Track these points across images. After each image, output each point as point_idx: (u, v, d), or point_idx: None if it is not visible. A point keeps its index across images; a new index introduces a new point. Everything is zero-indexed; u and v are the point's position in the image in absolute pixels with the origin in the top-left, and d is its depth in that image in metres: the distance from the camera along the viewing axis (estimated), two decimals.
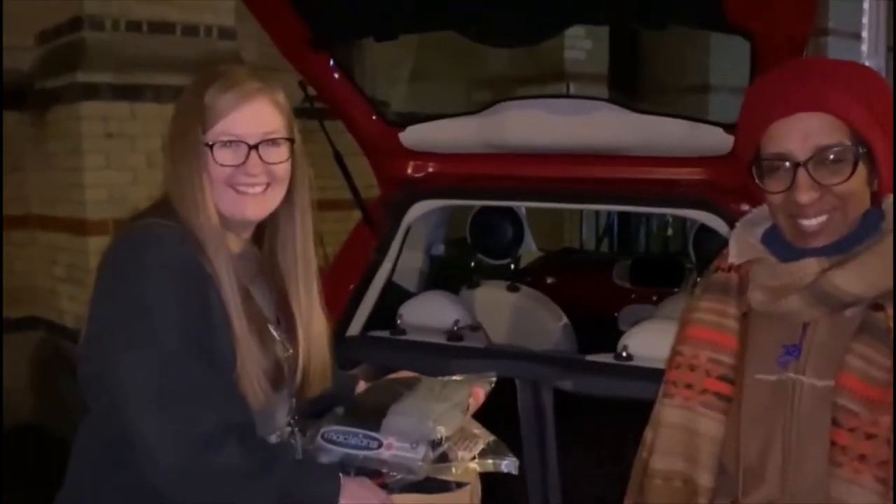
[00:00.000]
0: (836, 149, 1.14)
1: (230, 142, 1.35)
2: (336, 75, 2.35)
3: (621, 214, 6.14)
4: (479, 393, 1.65)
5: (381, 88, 6.52)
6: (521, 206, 2.99)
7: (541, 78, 6.50)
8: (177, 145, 1.37)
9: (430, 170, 2.56)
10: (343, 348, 2.32)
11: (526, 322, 3.03)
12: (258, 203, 1.39)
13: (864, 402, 1.09)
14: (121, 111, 4.48)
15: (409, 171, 2.56)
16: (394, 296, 2.70)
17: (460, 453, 1.56)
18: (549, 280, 3.85)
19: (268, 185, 1.39)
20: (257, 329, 1.38)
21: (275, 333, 1.45)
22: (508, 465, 1.59)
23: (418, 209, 2.54)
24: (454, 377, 1.70)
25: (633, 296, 3.69)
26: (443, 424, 1.49)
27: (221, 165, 1.35)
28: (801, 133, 1.15)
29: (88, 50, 4.47)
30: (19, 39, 4.88)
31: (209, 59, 4.47)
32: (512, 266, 3.22)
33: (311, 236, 1.52)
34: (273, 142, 1.38)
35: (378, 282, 2.52)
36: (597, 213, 6.41)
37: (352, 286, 2.50)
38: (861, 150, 1.15)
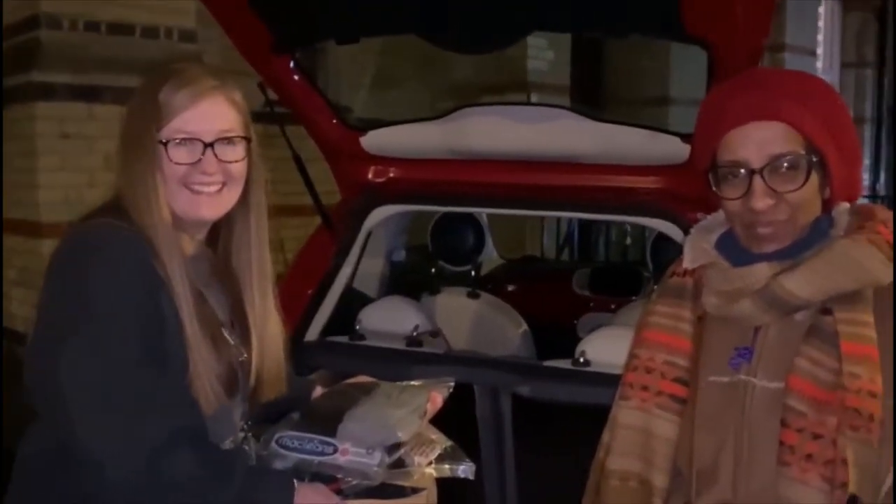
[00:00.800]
0: (789, 157, 1.17)
1: (185, 139, 1.33)
2: (297, 78, 2.34)
3: (582, 223, 6.20)
4: (436, 398, 1.64)
5: (345, 94, 6.51)
6: (482, 212, 3.00)
7: (504, 87, 6.53)
8: (129, 143, 1.35)
9: (391, 175, 2.55)
10: (301, 353, 2.29)
11: (486, 328, 3.03)
12: (213, 203, 1.37)
13: (811, 403, 1.12)
14: (78, 112, 4.41)
15: (370, 175, 2.55)
16: (354, 301, 2.69)
17: (416, 459, 1.55)
18: (510, 287, 3.86)
19: (223, 184, 1.36)
20: (210, 333, 1.36)
21: (228, 337, 1.43)
22: (465, 470, 1.59)
23: (379, 214, 2.53)
24: (412, 382, 1.69)
25: (591, 304, 3.72)
26: (399, 430, 1.48)
27: (176, 164, 1.32)
28: (757, 141, 1.17)
29: (45, 49, 4.39)
30: None
31: (170, 62, 4.41)
32: (472, 273, 3.22)
33: (266, 238, 1.50)
34: (229, 140, 1.36)
35: (337, 287, 2.50)
36: (558, 221, 6.46)
37: (310, 291, 2.48)
38: (814, 159, 1.18)
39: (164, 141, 1.32)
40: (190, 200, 1.35)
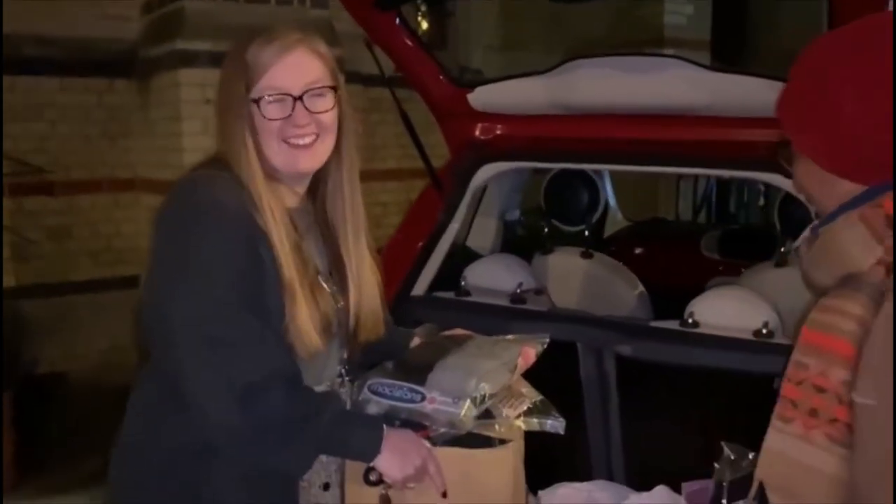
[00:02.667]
0: None
1: (275, 95, 1.37)
2: (403, 36, 2.35)
3: (718, 184, 5.92)
4: (529, 353, 1.64)
5: (474, 58, 6.50)
6: (591, 168, 2.92)
7: (638, 44, 6.30)
8: (223, 104, 1.41)
9: (499, 131, 2.52)
10: (407, 308, 2.34)
11: (600, 289, 2.97)
12: (310, 155, 1.41)
13: (811, 351, 1.01)
14: (217, 78, 4.63)
15: (478, 133, 2.54)
16: (465, 259, 2.71)
17: (505, 411, 1.56)
18: (635, 250, 3.77)
19: (317, 135, 1.41)
20: (308, 281, 1.41)
21: (325, 286, 1.48)
22: (553, 425, 1.58)
23: (486, 171, 2.52)
24: (507, 337, 1.69)
25: (721, 267, 3.57)
26: (487, 381, 1.49)
27: (270, 120, 1.37)
28: None
29: (187, 19, 4.64)
30: (125, 10, 5.12)
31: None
32: (586, 232, 3.16)
33: (358, 188, 1.53)
34: (317, 91, 1.39)
35: (444, 243, 2.52)
36: (695, 182, 6.21)
37: (418, 247, 2.51)
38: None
39: (255, 98, 1.36)
40: (288, 154, 1.40)
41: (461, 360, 1.56)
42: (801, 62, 1.09)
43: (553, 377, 2.12)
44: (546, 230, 3.15)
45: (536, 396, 1.63)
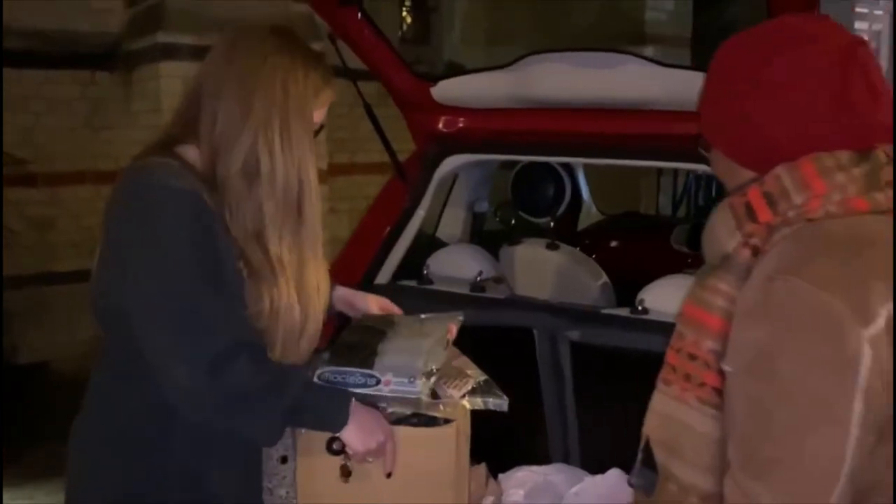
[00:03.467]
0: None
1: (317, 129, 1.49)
2: (366, 30, 2.41)
3: (697, 179, 6.00)
4: (452, 328, 1.70)
5: (458, 51, 6.55)
6: (550, 160, 2.99)
7: (620, 39, 6.37)
8: (295, 122, 1.44)
9: (461, 124, 2.59)
10: None
11: (564, 279, 3.03)
12: None
13: (688, 323, 1.11)
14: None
15: (441, 125, 2.60)
16: (432, 248, 2.77)
17: (450, 391, 1.62)
18: (607, 242, 3.82)
19: None
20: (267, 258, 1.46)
21: None
22: (497, 403, 1.63)
23: (450, 163, 2.58)
24: (423, 316, 1.75)
25: (689, 260, 3.63)
26: (432, 359, 1.56)
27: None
28: None
29: (169, 13, 4.70)
30: (109, 3, 5.17)
31: (283, 21, 4.61)
32: (552, 224, 3.22)
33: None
34: None
35: (409, 232, 2.58)
36: (674, 177, 6.28)
37: (383, 236, 2.57)
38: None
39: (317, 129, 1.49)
40: None
41: (401, 341, 1.61)
42: (714, 59, 1.16)
43: (512, 363, 2.18)
44: (514, 222, 3.21)
45: (481, 376, 1.68)
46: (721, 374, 1.04)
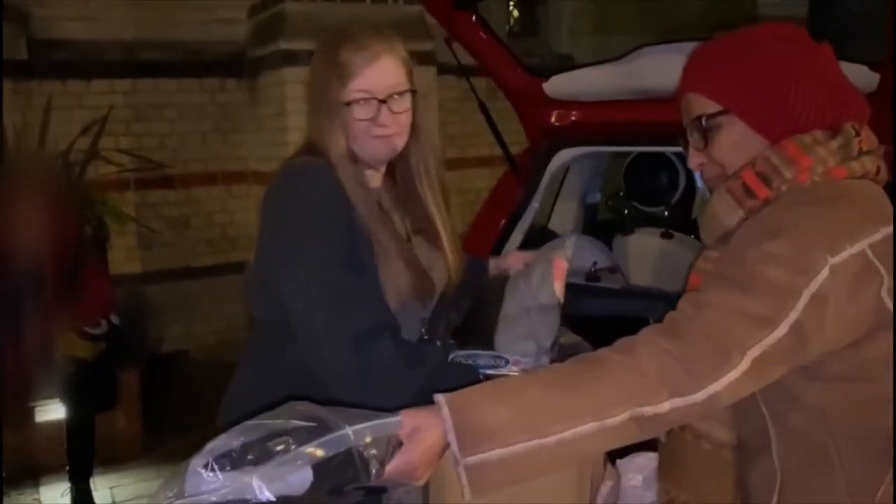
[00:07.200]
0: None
1: (364, 98, 1.55)
2: (480, 32, 2.50)
3: None
4: (560, 265, 1.73)
5: (567, 43, 6.56)
6: (662, 150, 3.00)
7: (734, 24, 6.21)
8: (317, 101, 1.59)
9: (574, 118, 2.65)
10: None
11: (680, 268, 3.04)
12: (389, 146, 1.60)
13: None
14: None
15: (553, 120, 2.67)
16: (545, 240, 2.83)
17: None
18: None
19: (395, 132, 1.58)
20: (396, 246, 1.59)
21: (417, 250, 1.65)
22: None
23: (562, 156, 2.65)
24: (536, 264, 1.79)
25: None
26: (549, 329, 1.62)
27: (358, 120, 1.56)
28: None
29: (289, 20, 4.93)
30: (234, 13, 5.47)
31: (397, 25, 4.77)
32: (666, 213, 3.24)
33: (436, 163, 1.70)
34: (399, 94, 1.57)
35: (523, 225, 2.67)
36: None
37: (497, 229, 2.66)
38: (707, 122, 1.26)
39: (347, 101, 1.55)
40: (371, 145, 1.58)
41: (516, 312, 1.68)
42: (756, 45, 1.24)
43: None
44: (626, 212, 3.24)
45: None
46: None
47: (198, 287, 5.46)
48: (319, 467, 0.92)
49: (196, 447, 0.99)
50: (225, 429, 1.67)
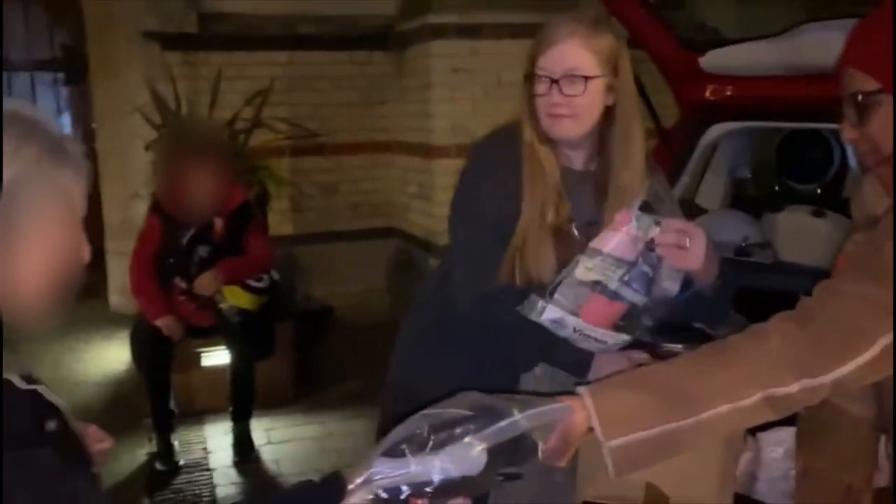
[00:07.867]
0: None
1: (541, 75, 1.67)
2: (637, 6, 2.55)
3: None
4: (625, 215, 1.62)
5: (707, 15, 6.37)
6: (818, 127, 2.95)
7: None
8: (525, 73, 1.72)
9: (729, 92, 2.66)
10: None
11: (831, 246, 3.00)
12: (561, 126, 1.68)
13: None
14: (464, 49, 5.03)
15: (708, 94, 2.69)
16: (693, 216, 2.86)
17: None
18: None
19: (569, 113, 1.66)
20: (547, 224, 1.69)
21: (575, 232, 1.72)
22: None
23: (716, 130, 2.67)
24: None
25: None
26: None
27: (537, 95, 1.69)
28: None
29: None
30: None
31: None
32: (819, 191, 3.18)
33: (631, 154, 1.70)
34: (574, 77, 1.64)
35: None
36: None
37: None
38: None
39: (529, 75, 1.69)
40: (546, 122, 1.69)
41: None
42: None
43: None
44: (777, 188, 3.21)
45: None
46: None
47: (341, 250, 5.75)
48: (493, 450, 1.05)
49: (342, 396, 1.13)
50: (406, 349, 1.88)
